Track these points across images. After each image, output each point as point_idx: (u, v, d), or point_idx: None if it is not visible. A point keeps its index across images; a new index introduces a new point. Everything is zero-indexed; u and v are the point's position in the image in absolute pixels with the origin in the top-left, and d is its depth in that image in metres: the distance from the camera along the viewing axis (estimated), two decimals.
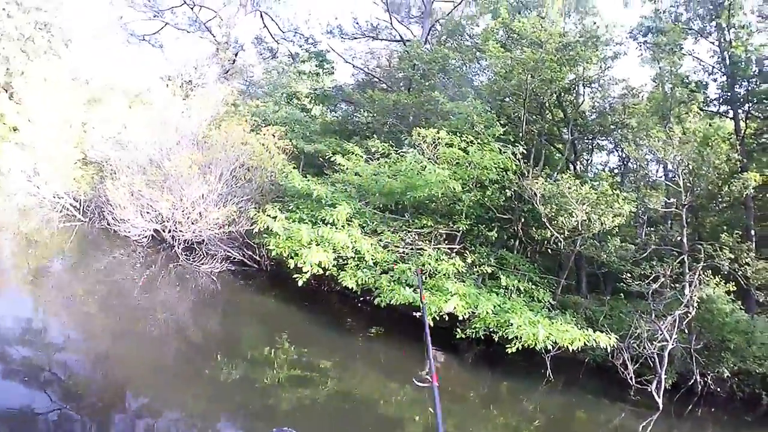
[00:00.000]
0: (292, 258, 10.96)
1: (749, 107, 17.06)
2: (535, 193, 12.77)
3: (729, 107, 17.36)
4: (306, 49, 26.35)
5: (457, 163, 12.73)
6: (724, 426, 11.37)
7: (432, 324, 10.15)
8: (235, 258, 14.61)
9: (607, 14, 20.58)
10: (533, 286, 12.60)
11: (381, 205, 13.45)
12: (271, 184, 15.24)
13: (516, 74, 14.77)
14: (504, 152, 12.84)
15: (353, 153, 13.66)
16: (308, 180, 13.21)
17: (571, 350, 10.04)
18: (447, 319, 10.62)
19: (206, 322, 10.70)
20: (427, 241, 12.79)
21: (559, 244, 13.17)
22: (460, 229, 13.19)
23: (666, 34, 16.30)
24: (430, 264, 11.56)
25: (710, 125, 14.96)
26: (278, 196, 14.74)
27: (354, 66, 25.13)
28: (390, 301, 10.72)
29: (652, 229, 15.92)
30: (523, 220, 14.52)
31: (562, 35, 15.50)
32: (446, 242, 13.19)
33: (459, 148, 12.67)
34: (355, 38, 26.01)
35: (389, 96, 17.88)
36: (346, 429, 7.07)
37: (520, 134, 15.14)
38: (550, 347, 9.99)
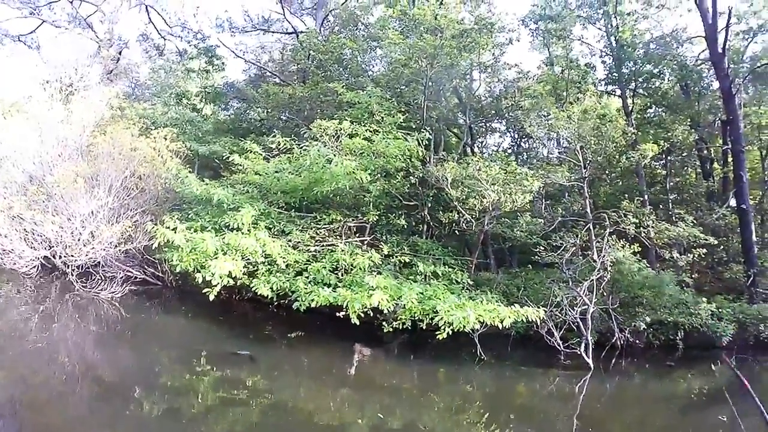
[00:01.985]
0: (198, 271, 10.13)
1: (635, 86, 18.31)
2: (445, 178, 12.77)
3: (617, 86, 18.47)
4: (195, 45, 24.92)
5: (361, 153, 12.38)
6: (648, 373, 11.82)
7: (357, 321, 9.86)
8: (136, 278, 13.52)
9: (500, 2, 21.21)
10: (450, 269, 12.55)
11: (285, 204, 12.90)
12: (166, 192, 14.18)
13: (415, 61, 14.62)
14: (411, 138, 12.66)
15: (251, 151, 12.92)
16: (206, 184, 12.24)
17: (494, 325, 10.02)
18: (371, 314, 10.28)
19: (116, 356, 9.54)
20: (338, 236, 12.41)
21: (468, 225, 13.30)
22: (369, 220, 12.94)
23: (557, 20, 17.01)
24: (344, 260, 11.16)
25: (600, 103, 15.72)
26: (176, 204, 13.83)
27: (246, 61, 24.05)
28: (310, 304, 10.25)
29: (549, 202, 16.48)
30: (429, 205, 14.55)
31: (459, 22, 15.56)
32: (357, 235, 12.90)
33: (363, 138, 12.31)
34: (246, 32, 24.94)
35: (284, 90, 17.12)
36: None
37: (420, 121, 15.15)
38: (477, 327, 9.90)
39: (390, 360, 11.14)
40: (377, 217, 13.04)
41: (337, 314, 10.10)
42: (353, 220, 12.95)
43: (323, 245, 11.95)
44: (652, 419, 8.95)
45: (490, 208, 12.69)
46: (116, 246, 12.76)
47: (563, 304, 11.44)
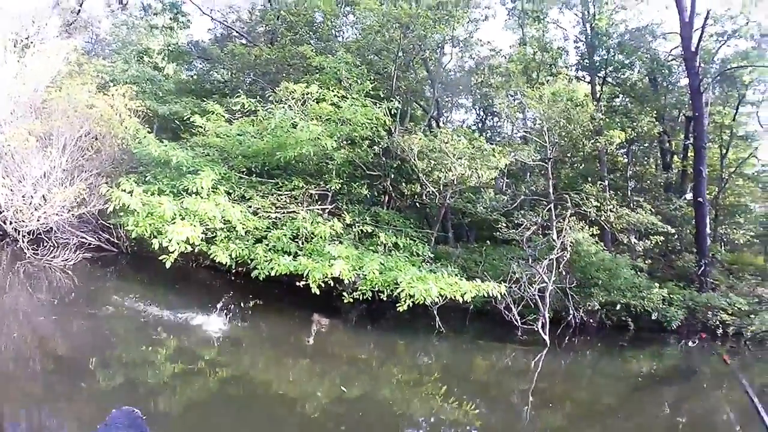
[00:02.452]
0: (155, 237, 9.71)
1: (605, 74, 18.58)
2: (411, 149, 12.68)
3: (587, 73, 18.64)
4: None
5: (328, 119, 12.05)
6: (601, 352, 12.17)
7: (317, 291, 9.70)
8: (90, 244, 13.02)
9: None
10: (411, 241, 12.51)
11: (246, 169, 12.57)
12: (123, 154, 13.62)
13: (388, 29, 14.36)
14: (380, 107, 12.40)
15: (214, 113, 12.47)
16: (165, 145, 11.77)
17: (453, 299, 10.01)
18: (332, 284, 10.16)
19: (70, 327, 9.09)
20: (299, 204, 12.18)
21: (430, 198, 13.31)
22: (332, 188, 12.73)
23: (534, 2, 16.98)
24: (305, 228, 10.97)
25: (569, 88, 15.80)
26: (132, 166, 13.30)
27: (212, 19, 22.97)
28: (269, 272, 10.03)
29: (510, 180, 16.63)
30: (391, 176, 14.41)
31: None
32: (318, 203, 12.69)
33: (331, 104, 11.98)
34: None
35: (251, 51, 16.56)
36: (248, 419, 6.28)
37: (389, 90, 14.92)
38: (437, 300, 9.90)
39: (348, 331, 11.08)
40: (340, 186, 12.85)
41: (297, 283, 9.92)
42: (315, 187, 12.72)
43: (284, 212, 11.71)
44: (604, 396, 9.22)
45: (455, 182, 12.69)
46: (69, 210, 12.20)
47: (522, 281, 11.56)
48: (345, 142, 12.78)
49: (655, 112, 17.20)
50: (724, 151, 18.54)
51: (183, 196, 10.41)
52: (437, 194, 13.09)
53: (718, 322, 13.11)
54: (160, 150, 11.48)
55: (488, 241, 14.27)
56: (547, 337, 11.08)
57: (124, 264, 13.16)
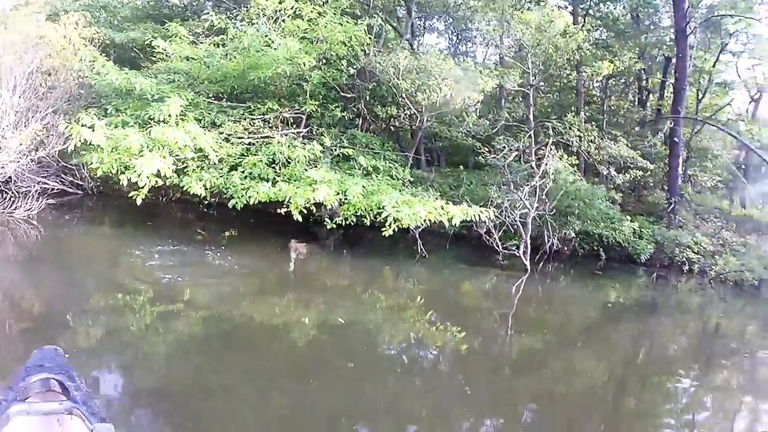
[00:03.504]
0: (122, 173, 9.15)
1: (589, 5, 18.16)
2: (393, 69, 12.30)
3: (570, 3, 18.27)
4: None
5: (303, 37, 11.51)
6: (575, 279, 12.55)
7: (300, 217, 9.49)
8: (53, 189, 12.20)
9: None
10: (390, 165, 12.32)
11: (215, 94, 12.03)
12: (80, 88, 12.79)
13: None
14: (360, 24, 11.86)
15: (177, 35, 11.79)
16: (127, 73, 11.10)
17: (433, 223, 10.02)
18: (313, 210, 9.99)
19: (40, 281, 8.32)
20: (273, 128, 11.70)
21: (410, 120, 13.21)
22: (306, 111, 12.26)
23: None
24: (282, 152, 10.59)
25: (552, 15, 15.56)
26: (92, 100, 12.52)
27: None
28: (248, 200, 9.71)
29: (487, 106, 16.51)
30: (366, 98, 13.89)
31: None
32: (293, 127, 12.24)
33: (307, 20, 11.45)
34: None
35: None
36: (232, 355, 6.01)
37: (367, 8, 14.49)
38: (422, 224, 9.84)
39: (328, 257, 11.00)
40: (314, 109, 12.40)
41: (278, 211, 9.71)
42: (289, 110, 12.22)
43: (258, 137, 11.26)
44: (579, 321, 9.57)
45: (438, 104, 12.44)
46: (27, 155, 11.36)
47: (504, 207, 11.64)
48: (321, 62, 12.28)
49: (637, 48, 17.22)
50: (701, 95, 18.82)
51: (150, 126, 9.77)
52: (417, 117, 12.86)
53: (684, 259, 13.55)
54: (121, 78, 10.82)
55: (461, 166, 14.29)
56: (528, 263, 11.27)
57: (91, 206, 12.61)
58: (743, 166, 19.89)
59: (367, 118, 13.85)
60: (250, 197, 9.63)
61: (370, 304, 8.62)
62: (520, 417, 5.43)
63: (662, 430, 5.74)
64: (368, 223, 10.20)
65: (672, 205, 15.02)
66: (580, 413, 5.57)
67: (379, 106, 13.65)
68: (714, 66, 18.40)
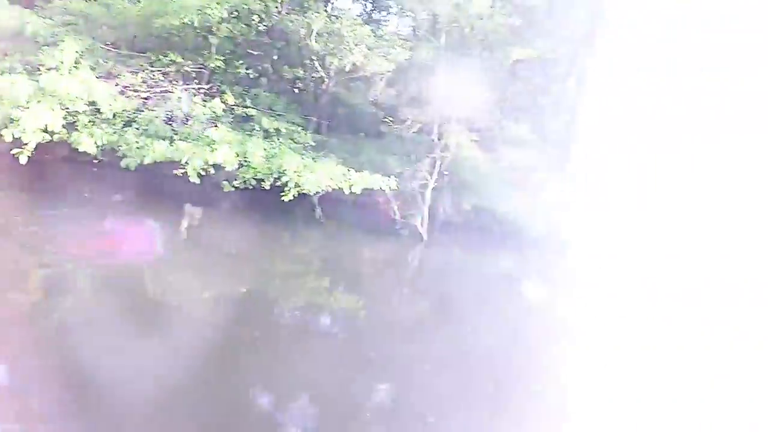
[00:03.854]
0: (5, 127, 8.43)
1: None
2: (307, 28, 12.11)
3: None
4: None
5: None
6: (468, 249, 13.20)
7: (197, 179, 9.22)
8: None
9: None
10: (293, 128, 12.09)
11: (113, 41, 11.34)
12: None
13: None
14: None
15: None
16: (18, 11, 10.18)
17: (334, 189, 10.13)
18: (212, 171, 9.62)
19: None
20: (174, 82, 11.17)
21: (315, 83, 13.05)
22: (210, 66, 11.87)
23: None
24: (181, 109, 10.30)
25: None
26: None
27: None
28: (142, 160, 9.32)
29: (397, 76, 16.73)
30: (274, 57, 13.61)
31: None
32: (196, 82, 11.77)
33: None
34: None
35: None
36: (119, 327, 5.61)
37: None
38: (322, 189, 9.97)
39: (224, 222, 10.75)
40: (219, 64, 12.00)
41: (173, 172, 9.41)
42: (192, 64, 11.73)
43: (157, 92, 10.74)
44: (467, 288, 10.00)
45: (347, 70, 12.51)
46: None
47: (404, 177, 11.98)
48: (232, 15, 11.85)
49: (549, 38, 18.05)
50: None
51: (40, 73, 9.07)
52: (324, 81, 12.82)
53: (573, 235, 15.05)
54: (10, 16, 9.93)
55: (362, 134, 14.32)
56: (425, 233, 11.83)
57: None
58: None
59: (272, 78, 13.59)
60: (144, 156, 9.24)
61: (268, 271, 8.57)
62: (413, 379, 5.61)
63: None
64: (268, 187, 10.08)
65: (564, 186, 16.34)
66: (468, 377, 5.90)
67: (285, 66, 13.38)
68: None
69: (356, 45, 12.05)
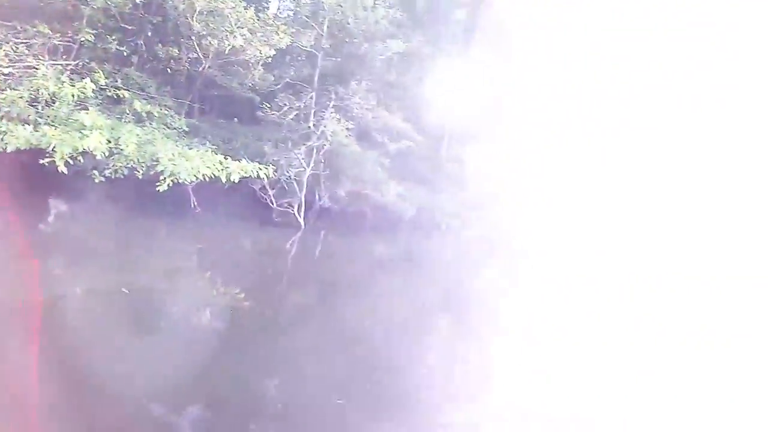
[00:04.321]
0: None
1: None
2: (188, 5, 11.76)
3: None
4: None
5: None
6: (345, 235, 13.90)
7: (65, 169, 8.47)
8: None
9: None
10: (166, 112, 11.73)
11: None
12: None
13: None
14: None
15: None
16: None
17: (209, 177, 9.96)
18: (81, 161, 8.94)
19: None
20: (39, 57, 10.21)
21: (186, 65, 12.80)
22: (79, 40, 11.02)
23: None
24: (47, 88, 9.28)
25: None
26: None
27: None
28: (4, 149, 8.37)
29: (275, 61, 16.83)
30: (148, 33, 12.91)
31: None
32: (64, 57, 10.86)
33: None
34: None
35: None
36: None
37: None
38: (197, 178, 9.79)
39: (94, 216, 10.07)
40: (91, 37, 11.13)
41: (38, 161, 8.46)
42: (60, 37, 10.72)
43: (20, 67, 9.70)
44: (345, 276, 10.55)
45: (226, 52, 12.36)
46: None
47: (280, 164, 12.35)
48: None
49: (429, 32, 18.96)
50: None
51: None
52: (200, 62, 12.57)
53: (443, 221, 16.44)
54: None
55: (235, 119, 14.36)
56: (302, 220, 12.32)
57: None
58: None
59: (144, 57, 12.93)
60: (7, 144, 8.33)
61: (144, 267, 8.15)
62: (297, 371, 5.56)
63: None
64: (141, 177, 9.69)
65: (438, 172, 17.68)
66: (350, 365, 5.98)
67: (160, 45, 12.78)
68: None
69: (238, 28, 11.98)
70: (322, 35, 14.23)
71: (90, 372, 4.63)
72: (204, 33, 12.09)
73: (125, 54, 12.04)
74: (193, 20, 11.83)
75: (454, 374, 6.64)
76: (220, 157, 10.27)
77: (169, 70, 13.05)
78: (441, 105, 18.73)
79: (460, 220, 17.25)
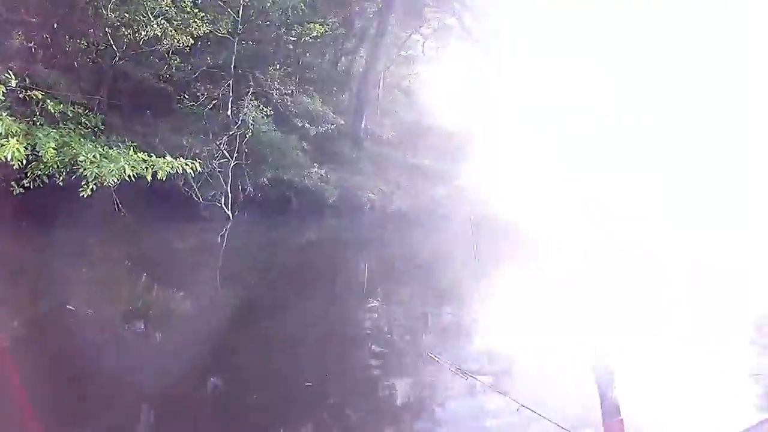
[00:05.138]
0: None
1: None
2: None
3: None
4: None
5: None
6: (272, 223, 13.92)
7: None
8: None
9: None
10: (79, 110, 11.28)
11: None
12: None
13: None
14: None
15: None
16: None
17: (131, 177, 9.50)
18: None
19: None
20: None
21: (97, 56, 12.45)
22: None
23: None
24: None
25: None
26: None
27: None
28: None
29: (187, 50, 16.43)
30: (54, 24, 12.34)
31: None
32: None
33: None
34: None
35: None
36: None
37: None
38: (118, 179, 9.43)
39: (10, 231, 9.43)
40: None
41: None
42: None
43: None
44: (280, 261, 10.55)
45: (142, 42, 12.03)
46: None
47: (203, 157, 12.19)
48: None
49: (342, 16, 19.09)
50: (390, 65, 22.20)
51: None
52: (113, 53, 12.15)
53: (366, 200, 17.02)
54: None
55: (152, 112, 13.87)
56: (230, 212, 12.42)
57: None
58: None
59: (51, 51, 12.34)
60: None
61: (76, 279, 7.79)
62: (236, 373, 5.34)
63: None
64: (61, 183, 9.32)
65: (356, 154, 18.19)
66: (291, 359, 5.79)
67: (67, 37, 12.22)
68: (405, 42, 22.19)
69: (155, 16, 11.69)
70: (237, 20, 14.13)
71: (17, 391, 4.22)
72: (117, 23, 11.67)
73: (31, 47, 11.38)
74: (107, 10, 11.38)
75: (392, 340, 6.78)
76: (144, 155, 9.91)
77: (76, 62, 12.48)
78: (359, 85, 19.25)
79: (383, 198, 17.96)
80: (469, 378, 4.84)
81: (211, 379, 5.08)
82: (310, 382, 4.96)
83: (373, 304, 8.20)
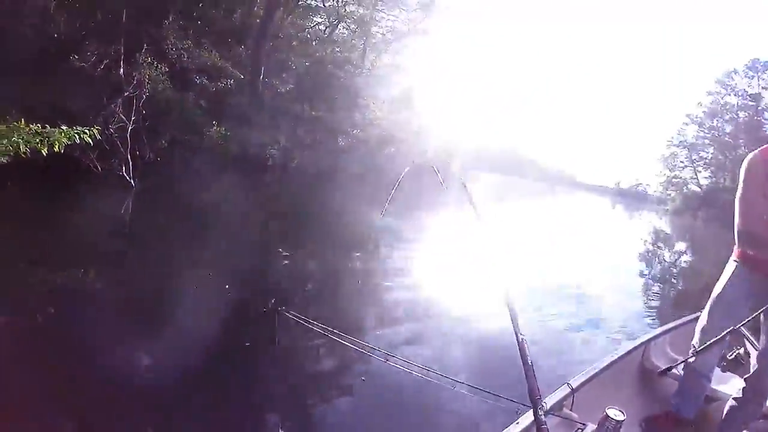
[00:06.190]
0: None
1: None
2: None
3: None
4: None
5: None
6: (173, 186, 13.69)
7: None
8: None
9: None
10: None
11: None
12: None
13: None
14: None
15: None
16: None
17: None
18: None
19: None
20: None
21: None
22: None
23: None
24: None
25: None
26: None
27: None
28: None
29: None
30: None
31: None
32: None
33: None
34: None
35: None
36: None
37: None
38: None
39: None
40: None
41: None
42: None
43: None
44: (189, 228, 10.39)
45: None
46: None
47: (98, 123, 11.34)
48: None
49: None
50: (287, 15, 21.83)
51: None
52: None
53: (267, 155, 17.08)
54: None
55: (33, 75, 12.52)
56: (132, 180, 12.07)
57: None
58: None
59: None
60: None
61: None
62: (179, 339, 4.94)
63: None
64: None
65: (256, 110, 18.09)
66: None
67: None
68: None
69: None
70: None
71: None
72: None
73: None
74: None
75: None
76: (36, 127, 9.08)
77: None
78: (257, 37, 18.91)
79: (284, 154, 18.11)
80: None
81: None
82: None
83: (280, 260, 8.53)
